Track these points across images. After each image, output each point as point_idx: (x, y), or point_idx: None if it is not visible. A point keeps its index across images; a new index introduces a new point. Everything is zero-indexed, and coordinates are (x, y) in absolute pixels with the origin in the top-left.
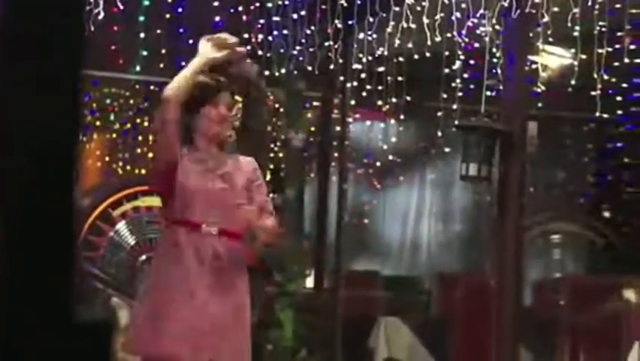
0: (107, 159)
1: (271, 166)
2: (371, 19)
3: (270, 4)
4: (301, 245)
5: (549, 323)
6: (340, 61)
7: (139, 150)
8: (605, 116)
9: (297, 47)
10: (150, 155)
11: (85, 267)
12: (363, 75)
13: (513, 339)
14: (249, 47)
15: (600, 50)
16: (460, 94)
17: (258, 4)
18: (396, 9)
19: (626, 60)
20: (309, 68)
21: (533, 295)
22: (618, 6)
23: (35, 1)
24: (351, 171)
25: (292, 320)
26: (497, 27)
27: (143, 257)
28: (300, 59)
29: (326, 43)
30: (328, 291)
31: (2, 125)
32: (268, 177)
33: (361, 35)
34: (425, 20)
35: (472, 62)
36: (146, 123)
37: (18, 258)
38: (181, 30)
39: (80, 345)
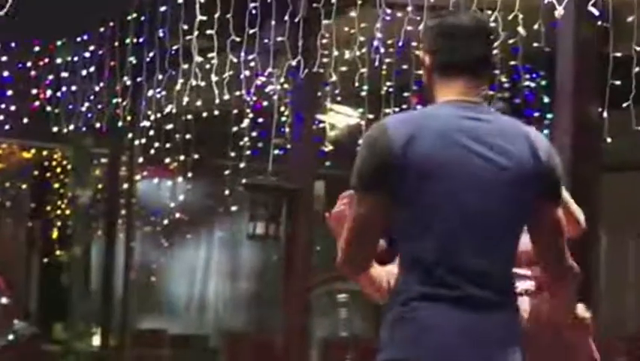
0: None
1: (58, 223)
2: (160, 77)
3: (59, 60)
4: (88, 303)
5: None
6: (129, 118)
7: None
8: None
9: (86, 104)
10: None
11: None
12: (151, 132)
13: None
14: (37, 103)
15: (387, 110)
16: (247, 152)
17: (46, 60)
18: (185, 66)
19: None
20: (98, 125)
21: (320, 353)
22: (405, 67)
23: None
24: (138, 228)
25: None
26: (286, 86)
27: None
28: (89, 115)
29: (114, 100)
30: (115, 349)
31: None
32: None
33: (150, 92)
34: (214, 78)
35: (260, 120)
36: None
37: None
38: None
39: None
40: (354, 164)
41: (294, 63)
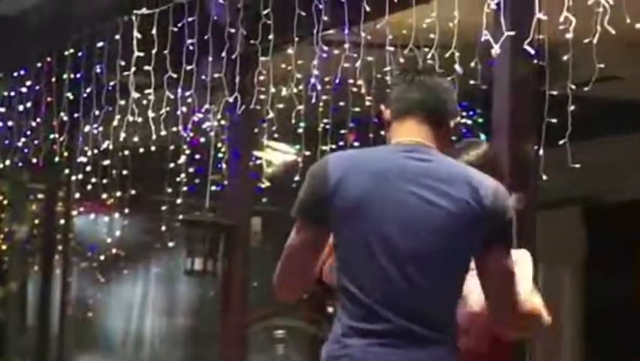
0: None
1: None
2: (97, 113)
3: None
4: (24, 338)
5: None
6: (65, 153)
7: None
8: None
9: (22, 139)
10: None
11: None
12: (88, 168)
13: None
14: None
15: (324, 147)
16: (184, 188)
17: None
18: (122, 102)
19: None
20: (34, 160)
21: None
22: (342, 104)
23: None
24: (75, 264)
25: None
26: (223, 122)
27: None
28: (25, 150)
29: (51, 136)
30: None
31: None
32: None
33: (87, 128)
34: (151, 114)
35: (197, 156)
36: None
37: None
38: None
39: None
40: (294, 198)
41: (231, 100)
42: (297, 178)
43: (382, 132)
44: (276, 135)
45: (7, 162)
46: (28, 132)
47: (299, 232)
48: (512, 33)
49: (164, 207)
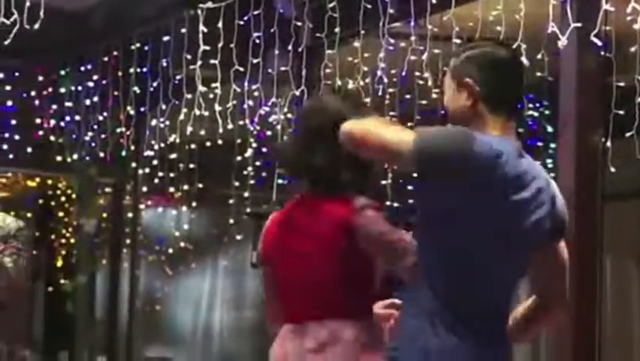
0: None
1: (63, 252)
2: (163, 106)
3: (62, 90)
4: (93, 331)
5: None
6: (132, 147)
7: None
8: None
9: (90, 133)
10: None
11: None
12: (155, 162)
13: None
14: (41, 132)
15: None
16: (251, 181)
17: (50, 90)
18: (189, 96)
19: None
20: (102, 154)
21: None
22: (408, 96)
23: None
24: (143, 257)
25: None
26: (289, 115)
27: None
28: (93, 145)
29: (118, 130)
30: None
31: None
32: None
33: (154, 122)
34: (217, 108)
35: (264, 149)
36: None
37: None
38: None
39: None
40: None
41: (297, 93)
42: None
43: (450, 126)
44: None
45: (75, 156)
46: (95, 126)
47: None
48: (579, 25)
49: (231, 201)
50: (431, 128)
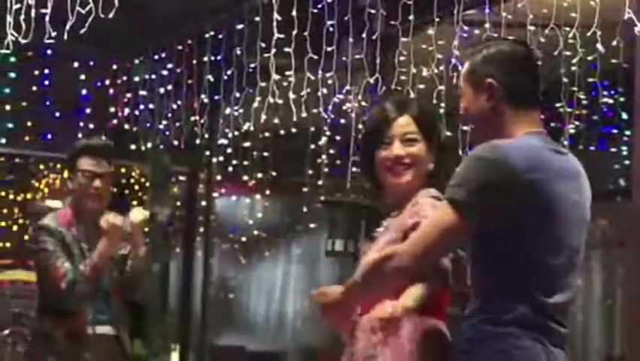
0: None
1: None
2: (237, 95)
3: (136, 78)
4: (167, 319)
5: None
6: (206, 136)
7: (3, 223)
8: None
9: (164, 122)
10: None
11: None
12: (229, 150)
13: None
14: (115, 121)
15: (465, 127)
16: (326, 170)
17: (124, 78)
18: (263, 84)
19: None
20: (175, 143)
21: None
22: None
23: None
24: (216, 245)
25: None
26: (363, 103)
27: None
28: (167, 133)
29: (192, 118)
30: None
31: None
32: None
33: (227, 110)
34: (291, 96)
35: (338, 137)
36: (11, 196)
37: None
38: (47, 103)
39: None
40: None
41: (371, 80)
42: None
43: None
44: None
45: (149, 145)
46: (169, 115)
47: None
48: None
49: (305, 189)
50: (455, 180)
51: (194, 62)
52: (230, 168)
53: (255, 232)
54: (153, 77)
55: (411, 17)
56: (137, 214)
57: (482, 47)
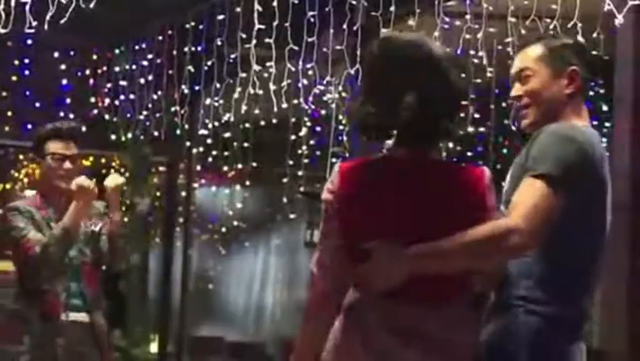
0: None
1: None
2: (218, 85)
3: (117, 68)
4: (146, 309)
5: None
6: (186, 126)
7: None
8: None
9: (144, 112)
10: None
11: None
12: (209, 141)
13: None
14: (95, 111)
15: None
16: (305, 160)
17: (104, 68)
18: (243, 75)
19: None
20: (156, 133)
21: None
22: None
23: None
24: (196, 236)
25: None
26: (344, 94)
27: None
28: (147, 123)
29: (172, 109)
30: (172, 356)
31: None
32: None
33: (208, 101)
34: (272, 87)
35: (318, 128)
36: None
37: None
38: (27, 92)
39: None
40: None
41: (352, 71)
42: None
43: (504, 104)
44: None
45: (129, 135)
46: (150, 105)
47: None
48: (637, 2)
49: (285, 180)
50: (551, 158)
51: (175, 52)
52: (211, 159)
53: (235, 223)
54: (134, 67)
55: (392, 8)
56: (113, 179)
57: (557, 34)
